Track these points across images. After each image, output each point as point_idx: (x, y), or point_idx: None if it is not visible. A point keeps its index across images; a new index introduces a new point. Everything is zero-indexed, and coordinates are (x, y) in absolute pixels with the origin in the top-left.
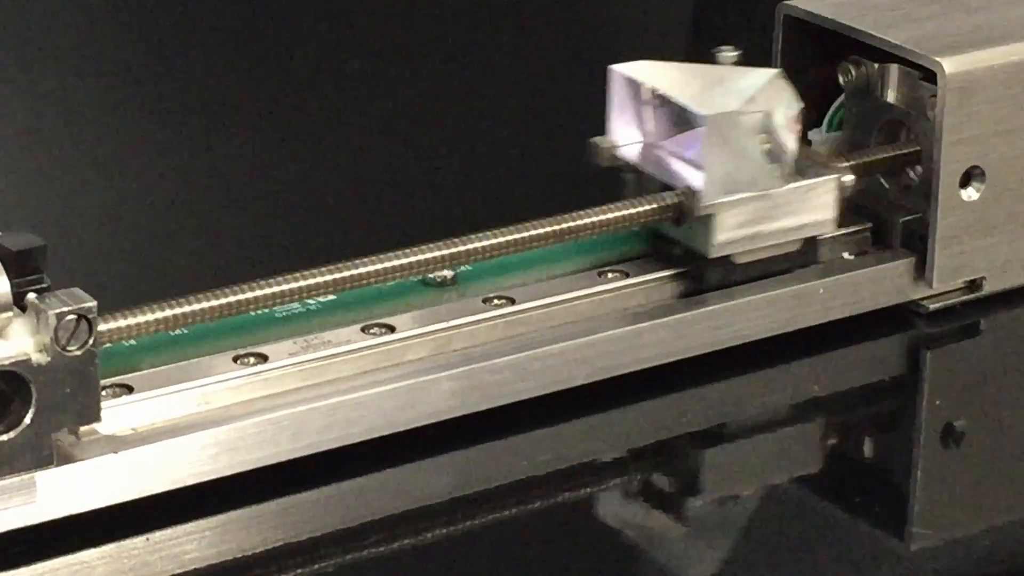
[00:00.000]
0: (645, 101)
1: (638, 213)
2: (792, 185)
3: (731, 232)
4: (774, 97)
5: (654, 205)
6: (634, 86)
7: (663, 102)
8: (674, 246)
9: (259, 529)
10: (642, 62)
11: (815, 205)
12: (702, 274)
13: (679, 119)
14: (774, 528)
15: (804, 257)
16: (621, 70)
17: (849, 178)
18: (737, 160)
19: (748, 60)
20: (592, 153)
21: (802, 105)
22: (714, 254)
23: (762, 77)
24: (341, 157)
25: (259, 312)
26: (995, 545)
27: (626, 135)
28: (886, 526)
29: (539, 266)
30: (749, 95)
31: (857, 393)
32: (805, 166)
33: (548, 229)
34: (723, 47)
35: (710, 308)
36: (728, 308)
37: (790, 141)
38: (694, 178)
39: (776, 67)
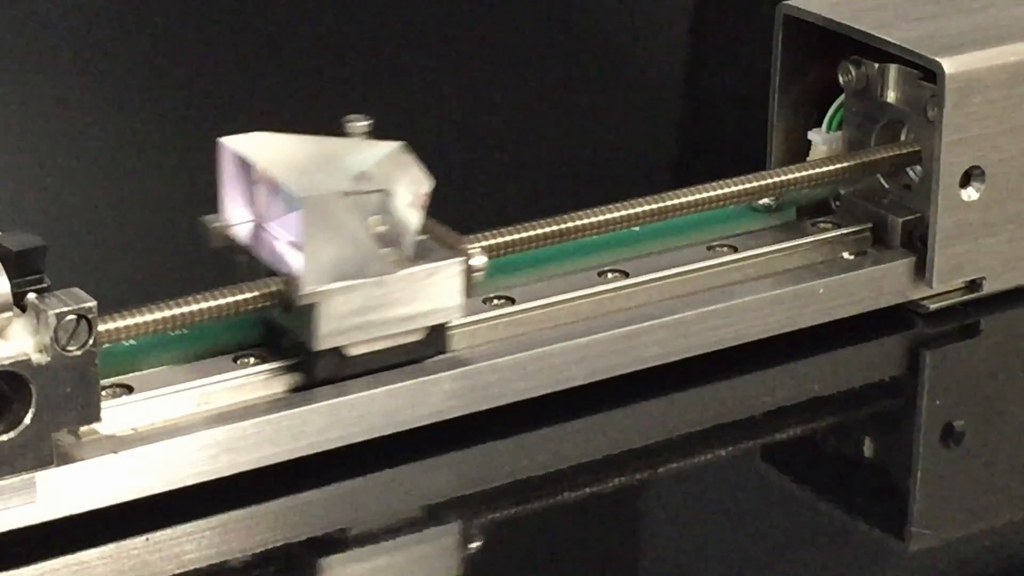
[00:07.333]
0: (254, 179)
1: (243, 300)
2: (407, 270)
3: (338, 322)
4: (395, 174)
5: (257, 292)
6: (243, 162)
7: (271, 180)
8: (283, 336)
9: (259, 529)
10: (257, 134)
11: (437, 291)
12: (311, 367)
13: (285, 199)
14: (774, 528)
15: (430, 346)
16: (229, 144)
17: (480, 260)
18: (342, 244)
19: (748, 60)
20: (202, 233)
21: (432, 182)
22: (318, 346)
23: (383, 151)
24: None
25: (258, 313)
26: (995, 545)
27: (238, 214)
28: (886, 526)
29: (539, 266)
30: (362, 172)
31: (857, 393)
32: (430, 248)
33: (550, 228)
34: (353, 116)
35: (710, 308)
36: (728, 308)
37: (413, 221)
38: (297, 263)
39: (776, 67)
